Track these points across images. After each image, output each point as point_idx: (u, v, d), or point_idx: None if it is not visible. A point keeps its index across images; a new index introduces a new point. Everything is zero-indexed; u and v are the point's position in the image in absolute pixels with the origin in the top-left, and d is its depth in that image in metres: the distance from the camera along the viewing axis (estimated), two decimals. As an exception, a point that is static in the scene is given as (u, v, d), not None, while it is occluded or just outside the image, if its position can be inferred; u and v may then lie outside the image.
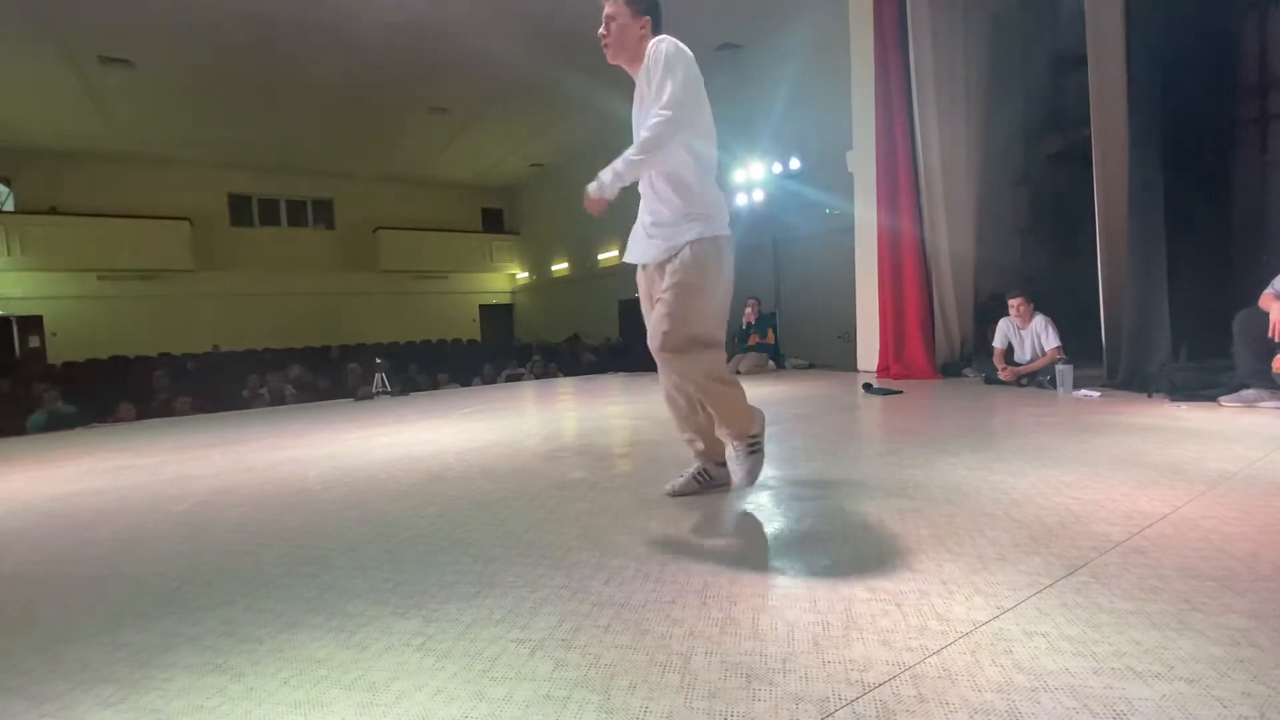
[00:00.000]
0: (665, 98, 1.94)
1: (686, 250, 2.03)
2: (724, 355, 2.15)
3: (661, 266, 2.10)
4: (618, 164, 1.96)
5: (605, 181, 1.97)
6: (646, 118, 1.97)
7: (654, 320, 2.07)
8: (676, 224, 2.05)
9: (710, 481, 2.30)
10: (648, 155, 1.95)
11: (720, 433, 2.20)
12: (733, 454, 2.21)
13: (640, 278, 2.23)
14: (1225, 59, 4.57)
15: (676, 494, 2.27)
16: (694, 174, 2.04)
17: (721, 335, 2.14)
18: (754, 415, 2.19)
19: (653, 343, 2.07)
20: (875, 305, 5.96)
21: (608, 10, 2.07)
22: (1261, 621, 1.20)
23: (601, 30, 2.08)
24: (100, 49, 8.16)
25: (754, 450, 2.19)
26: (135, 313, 13.35)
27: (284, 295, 14.86)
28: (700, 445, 2.27)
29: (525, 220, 17.66)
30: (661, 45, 2.00)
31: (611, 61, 2.14)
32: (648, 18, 2.08)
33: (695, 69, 2.01)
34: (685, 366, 2.05)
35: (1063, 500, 1.98)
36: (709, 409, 2.14)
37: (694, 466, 2.31)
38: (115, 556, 2.02)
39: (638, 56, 2.07)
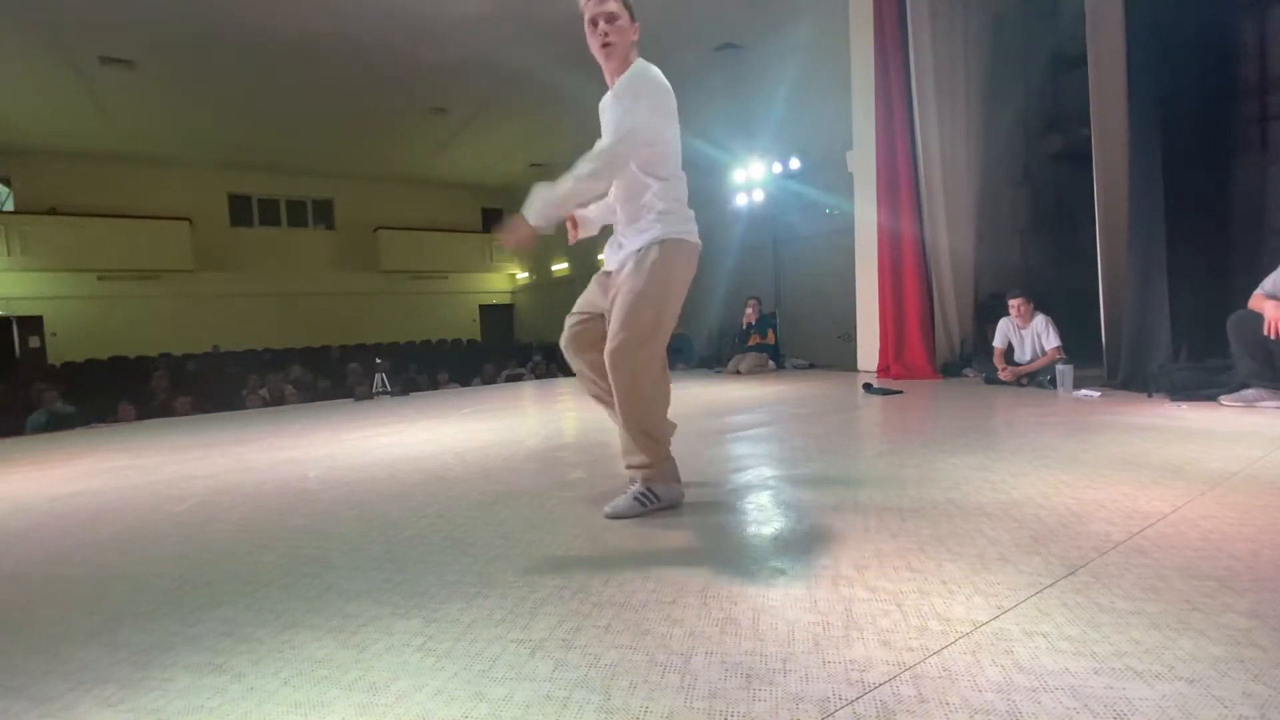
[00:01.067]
0: (619, 130, 1.94)
1: (637, 256, 2.02)
2: (660, 367, 2.09)
3: (618, 272, 2.08)
4: (556, 189, 1.91)
5: (537, 208, 1.91)
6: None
7: (612, 325, 2.01)
8: (635, 231, 2.06)
9: (656, 503, 2.07)
10: (589, 184, 1.94)
11: (627, 458, 2.08)
12: (625, 498, 2.08)
13: (595, 279, 2.22)
14: (1225, 59, 4.57)
15: (615, 516, 2.03)
16: (652, 188, 2.04)
17: (663, 347, 2.09)
18: (666, 469, 2.08)
19: (608, 345, 2.00)
20: (875, 305, 5.96)
21: (612, 8, 2.00)
22: (1262, 621, 1.20)
23: (605, 27, 2.00)
24: (100, 49, 8.16)
25: (644, 502, 2.04)
26: (135, 313, 13.34)
27: (284, 295, 14.85)
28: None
29: (525, 220, 17.62)
30: (641, 67, 2.00)
31: (608, 61, 2.05)
32: (638, 24, 2.08)
33: (668, 99, 2.02)
34: (631, 373, 1.98)
35: (1063, 500, 1.98)
36: (621, 427, 2.05)
37: (636, 486, 2.09)
38: (115, 556, 2.02)
39: (625, 62, 2.05)
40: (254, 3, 7.25)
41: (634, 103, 1.96)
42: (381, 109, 10.96)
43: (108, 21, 7.48)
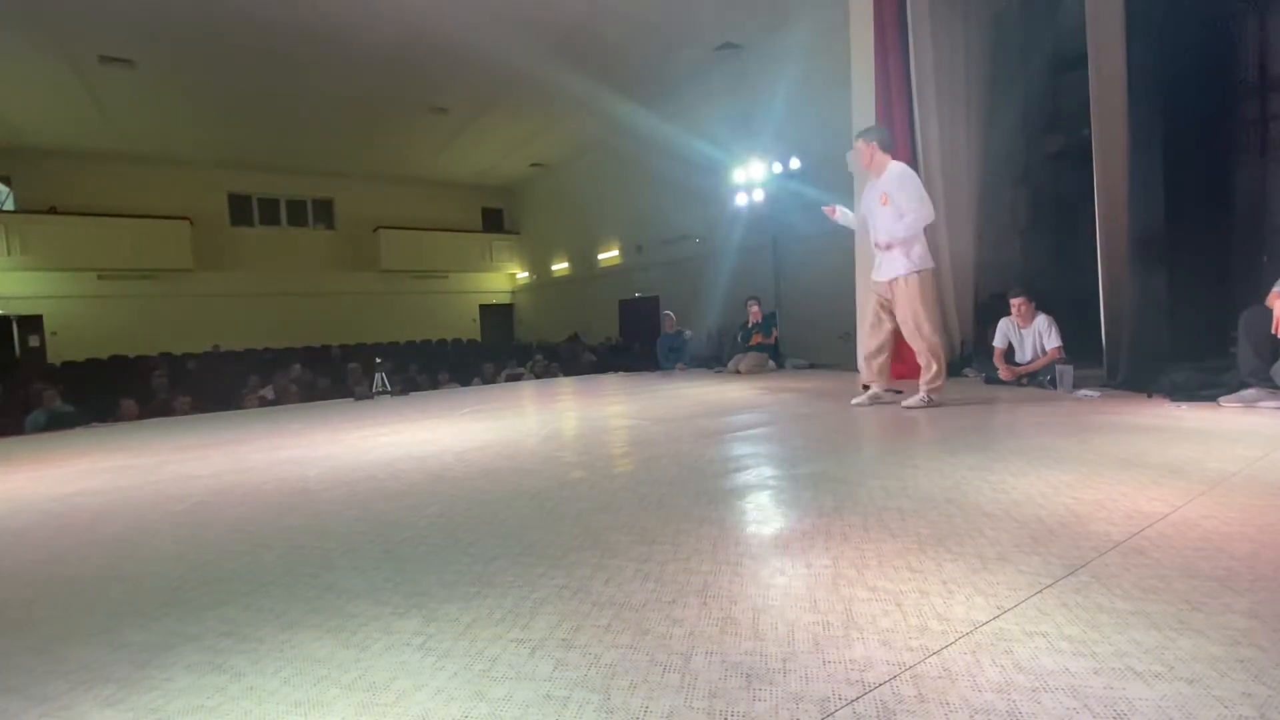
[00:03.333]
0: (911, 215, 3.79)
1: (914, 278, 3.84)
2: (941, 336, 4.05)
3: (892, 283, 3.92)
4: (901, 243, 3.86)
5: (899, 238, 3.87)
6: (895, 209, 3.85)
7: (909, 318, 3.87)
8: (901, 257, 3.86)
9: (880, 400, 4.10)
10: (914, 237, 3.84)
11: (925, 384, 3.91)
12: (917, 397, 3.93)
13: (879, 286, 4.01)
14: (1225, 59, 4.57)
15: (861, 405, 4.07)
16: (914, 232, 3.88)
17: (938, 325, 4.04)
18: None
19: (909, 327, 3.88)
20: (875, 305, 5.95)
21: (861, 145, 3.99)
22: (1261, 621, 1.20)
23: (864, 160, 3.97)
24: (100, 49, 8.16)
25: (931, 401, 3.93)
26: (135, 313, 13.35)
27: (284, 295, 14.86)
28: (879, 367, 4.13)
29: (525, 220, 17.66)
30: (905, 171, 3.89)
31: (864, 169, 4.07)
32: (888, 151, 3.95)
33: (918, 178, 3.92)
34: (932, 342, 3.87)
35: (1063, 500, 1.98)
36: (932, 364, 3.87)
37: (870, 392, 4.13)
38: (115, 556, 2.02)
39: (879, 169, 3.92)
40: (254, 2, 7.26)
41: (914, 192, 3.82)
42: (381, 109, 10.97)
43: (108, 21, 7.49)
